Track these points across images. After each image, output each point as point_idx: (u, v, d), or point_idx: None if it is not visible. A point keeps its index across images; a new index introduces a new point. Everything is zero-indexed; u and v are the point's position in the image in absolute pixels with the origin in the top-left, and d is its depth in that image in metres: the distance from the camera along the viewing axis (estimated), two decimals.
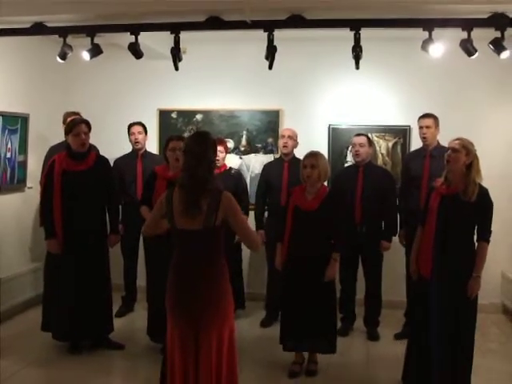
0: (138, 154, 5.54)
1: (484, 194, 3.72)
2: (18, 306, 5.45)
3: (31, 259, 5.77)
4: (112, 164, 5.33)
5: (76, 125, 4.43)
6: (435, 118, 4.99)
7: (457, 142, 3.78)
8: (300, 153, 4.83)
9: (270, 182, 5.30)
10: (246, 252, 5.49)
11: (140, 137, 5.51)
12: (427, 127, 4.96)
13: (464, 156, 3.72)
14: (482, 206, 3.71)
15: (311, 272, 4.13)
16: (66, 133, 4.50)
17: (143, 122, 5.61)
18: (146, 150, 5.62)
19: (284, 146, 5.27)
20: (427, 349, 3.79)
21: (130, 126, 5.56)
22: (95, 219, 4.56)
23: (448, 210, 3.74)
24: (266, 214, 5.37)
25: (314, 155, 4.20)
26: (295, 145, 5.30)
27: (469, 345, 3.78)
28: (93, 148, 4.77)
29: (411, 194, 4.98)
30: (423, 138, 5.02)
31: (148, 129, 5.66)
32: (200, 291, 2.98)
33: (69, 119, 4.92)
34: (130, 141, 5.55)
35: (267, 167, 5.47)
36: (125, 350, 4.63)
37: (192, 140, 3.10)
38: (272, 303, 5.28)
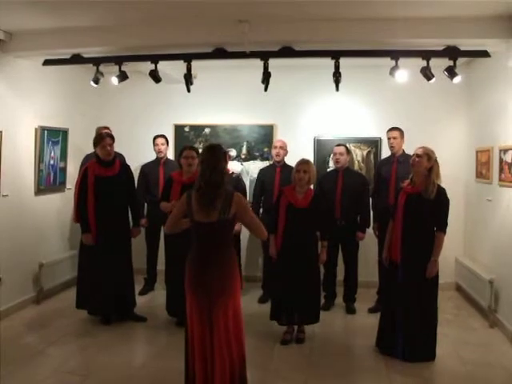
0: (160, 161, 5.50)
1: (442, 192, 3.73)
2: (58, 286, 5.43)
3: (69, 247, 5.74)
4: (139, 169, 5.38)
5: (102, 138, 4.39)
6: (401, 131, 4.99)
7: (421, 149, 3.80)
8: (291, 160, 4.82)
9: (265, 184, 5.27)
10: (243, 243, 5.46)
11: (163, 147, 5.49)
12: (394, 138, 4.95)
13: (426, 161, 3.73)
14: (440, 202, 3.72)
15: (302, 258, 4.10)
16: (95, 145, 4.43)
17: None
18: (167, 158, 5.59)
19: (277, 155, 5.24)
20: (396, 320, 3.80)
21: (155, 138, 5.53)
22: (121, 216, 4.54)
23: (412, 206, 3.75)
24: (261, 210, 5.34)
25: (306, 162, 4.17)
26: (286, 153, 5.27)
27: (432, 315, 3.79)
28: (118, 156, 4.72)
29: (382, 193, 4.96)
30: (391, 147, 5.01)
31: None
32: (212, 273, 2.91)
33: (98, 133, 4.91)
34: (155, 150, 5.52)
35: (262, 171, 5.43)
36: (146, 322, 4.62)
37: (206, 152, 3.02)
38: (268, 284, 5.25)
